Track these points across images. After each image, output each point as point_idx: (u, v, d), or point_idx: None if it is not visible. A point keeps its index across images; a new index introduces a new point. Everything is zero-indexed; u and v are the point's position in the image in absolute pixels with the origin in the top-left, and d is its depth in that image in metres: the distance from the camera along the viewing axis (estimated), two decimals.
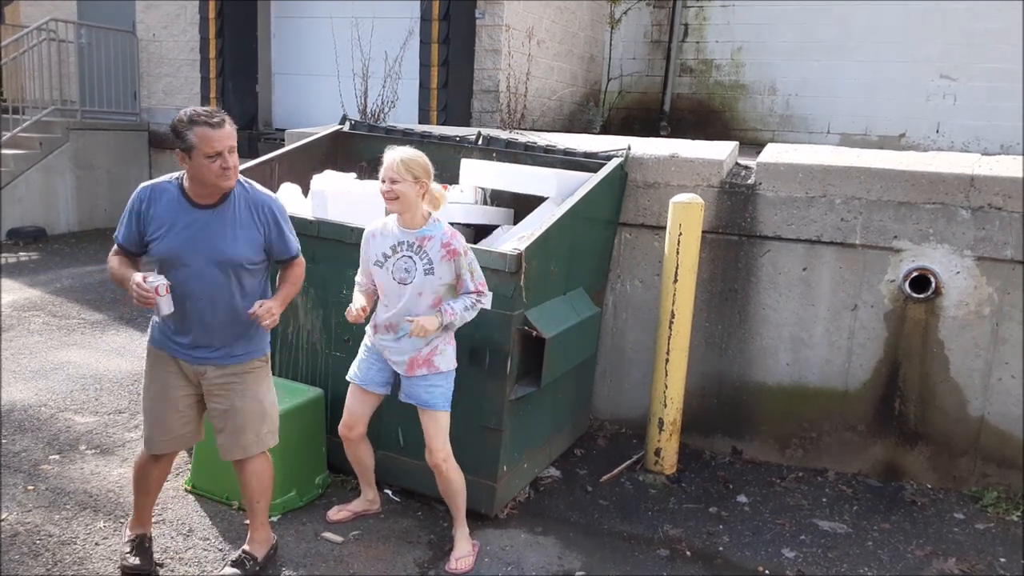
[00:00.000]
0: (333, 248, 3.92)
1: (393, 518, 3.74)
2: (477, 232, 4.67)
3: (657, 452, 4.31)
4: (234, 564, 3.18)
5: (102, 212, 9.81)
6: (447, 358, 3.31)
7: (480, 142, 5.03)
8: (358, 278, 3.43)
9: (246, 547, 3.24)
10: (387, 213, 3.30)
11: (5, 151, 8.87)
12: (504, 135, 5.32)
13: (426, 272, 3.19)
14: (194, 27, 9.54)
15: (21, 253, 8.39)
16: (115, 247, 2.96)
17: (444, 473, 3.37)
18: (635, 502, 4.09)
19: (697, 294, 4.35)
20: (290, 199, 4.42)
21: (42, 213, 9.21)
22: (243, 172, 4.41)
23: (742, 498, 4.20)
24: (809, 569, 3.56)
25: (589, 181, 4.24)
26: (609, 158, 4.57)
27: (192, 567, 3.26)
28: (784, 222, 4.44)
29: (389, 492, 3.91)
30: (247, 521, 3.33)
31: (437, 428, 3.33)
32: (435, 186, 3.28)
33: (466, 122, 7.65)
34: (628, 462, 4.44)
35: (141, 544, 3.20)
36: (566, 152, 4.82)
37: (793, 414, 4.55)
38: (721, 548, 3.71)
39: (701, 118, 9.07)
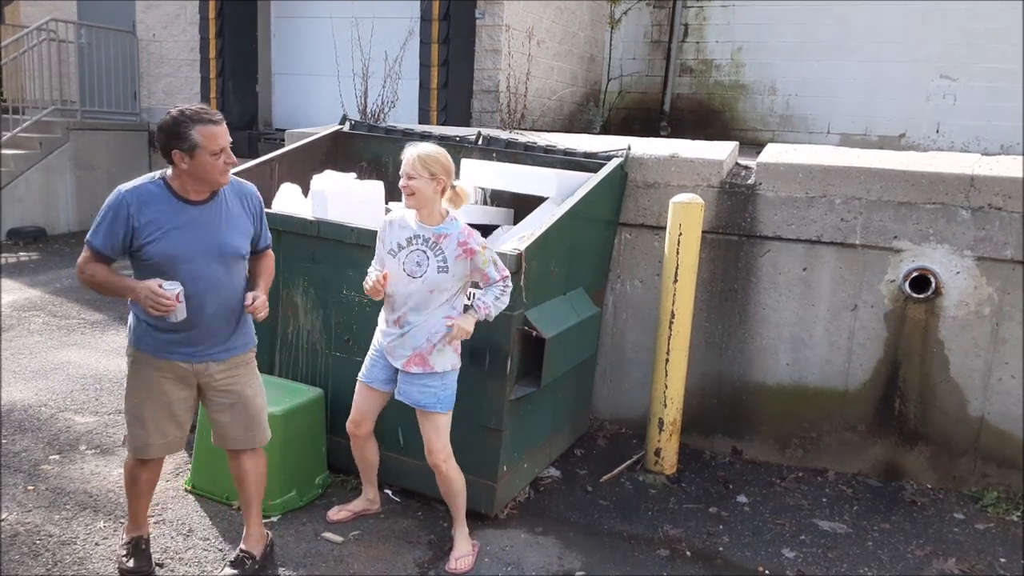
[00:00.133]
0: (333, 248, 3.92)
1: (393, 518, 3.74)
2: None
3: (657, 452, 4.31)
4: (233, 564, 3.18)
5: None
6: (444, 358, 3.28)
7: (480, 142, 5.03)
8: (373, 264, 3.42)
9: (243, 546, 3.23)
10: (411, 207, 3.27)
11: (5, 151, 8.87)
12: (504, 135, 5.32)
13: (439, 270, 3.17)
14: (194, 27, 9.54)
15: (21, 253, 8.39)
16: (89, 254, 2.82)
17: (444, 473, 3.36)
18: (635, 502, 4.09)
19: (697, 294, 4.35)
20: (290, 199, 4.43)
21: (42, 213, 9.21)
22: (243, 172, 4.44)
23: (742, 498, 4.20)
24: (809, 569, 3.56)
25: (589, 181, 4.24)
26: (609, 158, 4.57)
27: (192, 567, 3.26)
28: (784, 222, 4.44)
29: (389, 492, 3.91)
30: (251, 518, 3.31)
31: (433, 429, 3.31)
32: (459, 183, 3.28)
33: (466, 122, 7.65)
34: (628, 462, 4.44)
35: (137, 546, 3.18)
36: (566, 152, 4.82)
37: (793, 414, 4.55)
38: (721, 548, 3.71)
39: (701, 118, 9.07)
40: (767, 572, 3.53)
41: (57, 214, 9.38)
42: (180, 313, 2.78)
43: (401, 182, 3.19)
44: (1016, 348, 4.14)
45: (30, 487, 3.79)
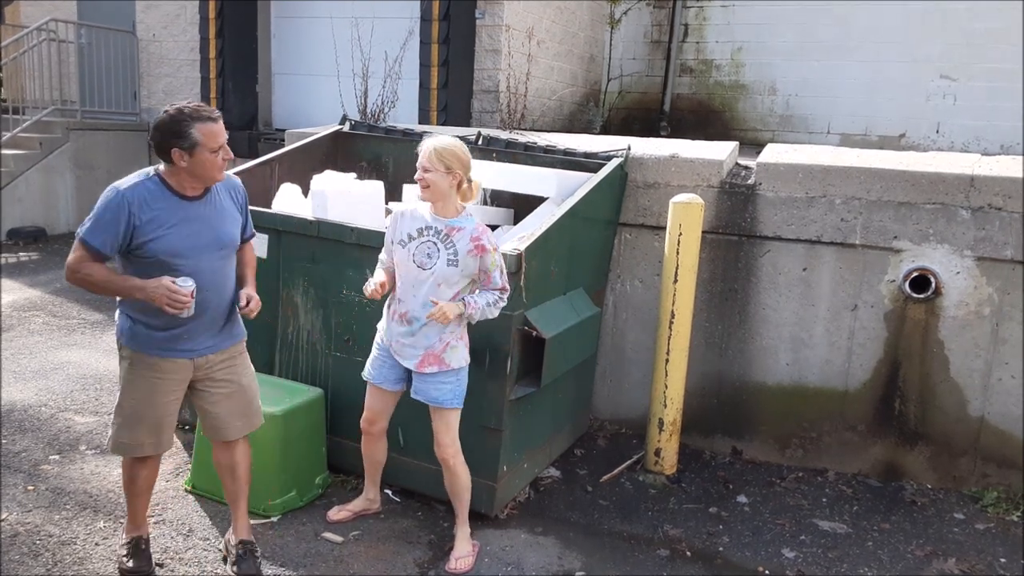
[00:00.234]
0: (333, 248, 3.92)
1: (393, 518, 3.74)
2: None
3: (657, 452, 4.31)
4: (243, 558, 3.17)
5: None
6: (458, 354, 3.29)
7: (480, 142, 5.03)
8: (381, 255, 3.42)
9: (244, 537, 3.24)
10: (427, 200, 3.25)
11: (5, 151, 8.86)
12: (504, 135, 5.32)
13: (449, 263, 3.15)
14: (194, 27, 9.54)
15: (21, 253, 8.39)
16: (84, 253, 2.79)
17: (452, 468, 3.36)
18: (635, 502, 4.09)
19: (697, 294, 4.35)
20: (290, 199, 4.43)
21: (42, 213, 9.20)
22: (244, 173, 4.44)
23: (742, 498, 4.20)
24: (809, 569, 3.56)
25: (589, 181, 4.25)
26: (609, 158, 4.57)
27: (192, 567, 3.26)
28: (784, 222, 4.44)
29: (389, 492, 3.91)
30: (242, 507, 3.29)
31: (445, 425, 3.32)
32: (476, 178, 3.26)
33: (466, 122, 7.65)
34: (628, 462, 4.44)
35: (137, 546, 3.18)
36: (566, 152, 4.82)
37: (793, 414, 4.55)
38: (721, 548, 3.71)
39: (701, 118, 9.07)
40: (767, 572, 3.53)
41: (57, 214, 9.37)
42: (193, 309, 2.79)
43: (417, 174, 3.16)
44: (1016, 348, 4.14)
45: (30, 487, 3.79)
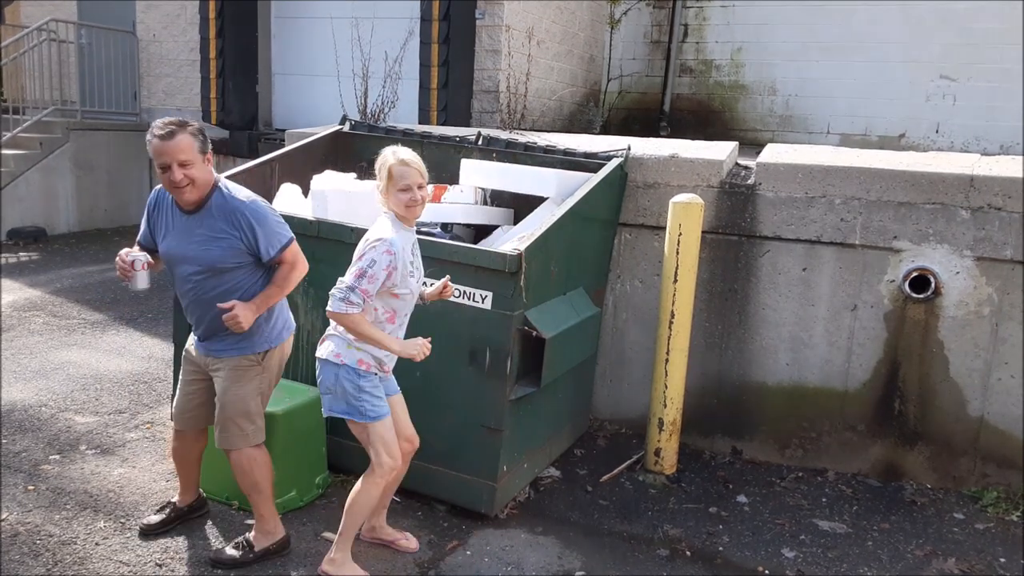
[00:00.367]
0: (333, 248, 3.91)
1: (393, 518, 3.73)
2: (477, 232, 4.67)
3: (657, 452, 4.31)
4: (233, 546, 3.30)
5: (102, 212, 9.82)
6: None
7: (480, 142, 5.04)
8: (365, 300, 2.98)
9: (248, 534, 3.35)
10: (413, 220, 3.07)
11: (5, 151, 8.87)
12: (504, 135, 5.32)
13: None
14: (194, 27, 9.55)
15: (21, 253, 8.39)
16: (138, 241, 3.23)
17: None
18: (635, 502, 4.09)
19: (697, 294, 4.35)
20: (290, 199, 4.43)
21: (42, 213, 9.21)
22: (243, 173, 4.44)
23: (742, 498, 4.20)
24: (809, 569, 3.57)
25: (589, 181, 4.24)
26: (609, 158, 4.57)
27: (192, 567, 3.26)
28: (784, 222, 4.44)
29: None
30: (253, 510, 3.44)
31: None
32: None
33: (466, 122, 7.66)
34: (628, 462, 4.44)
35: (163, 508, 3.52)
36: (566, 152, 4.82)
37: (793, 414, 4.56)
38: (721, 548, 3.71)
39: (701, 118, 9.07)
40: (767, 572, 3.54)
41: (57, 214, 9.38)
42: (140, 282, 3.08)
43: (412, 195, 2.93)
44: (1016, 348, 4.14)
45: (30, 487, 3.79)
